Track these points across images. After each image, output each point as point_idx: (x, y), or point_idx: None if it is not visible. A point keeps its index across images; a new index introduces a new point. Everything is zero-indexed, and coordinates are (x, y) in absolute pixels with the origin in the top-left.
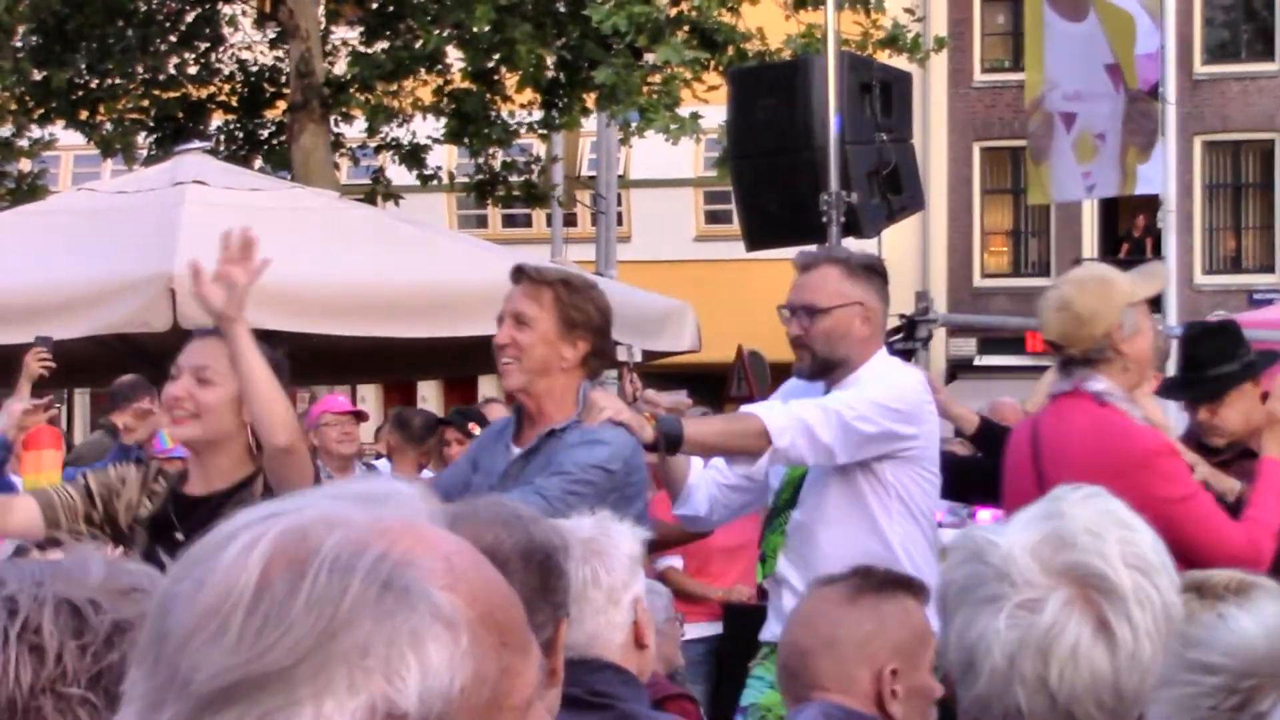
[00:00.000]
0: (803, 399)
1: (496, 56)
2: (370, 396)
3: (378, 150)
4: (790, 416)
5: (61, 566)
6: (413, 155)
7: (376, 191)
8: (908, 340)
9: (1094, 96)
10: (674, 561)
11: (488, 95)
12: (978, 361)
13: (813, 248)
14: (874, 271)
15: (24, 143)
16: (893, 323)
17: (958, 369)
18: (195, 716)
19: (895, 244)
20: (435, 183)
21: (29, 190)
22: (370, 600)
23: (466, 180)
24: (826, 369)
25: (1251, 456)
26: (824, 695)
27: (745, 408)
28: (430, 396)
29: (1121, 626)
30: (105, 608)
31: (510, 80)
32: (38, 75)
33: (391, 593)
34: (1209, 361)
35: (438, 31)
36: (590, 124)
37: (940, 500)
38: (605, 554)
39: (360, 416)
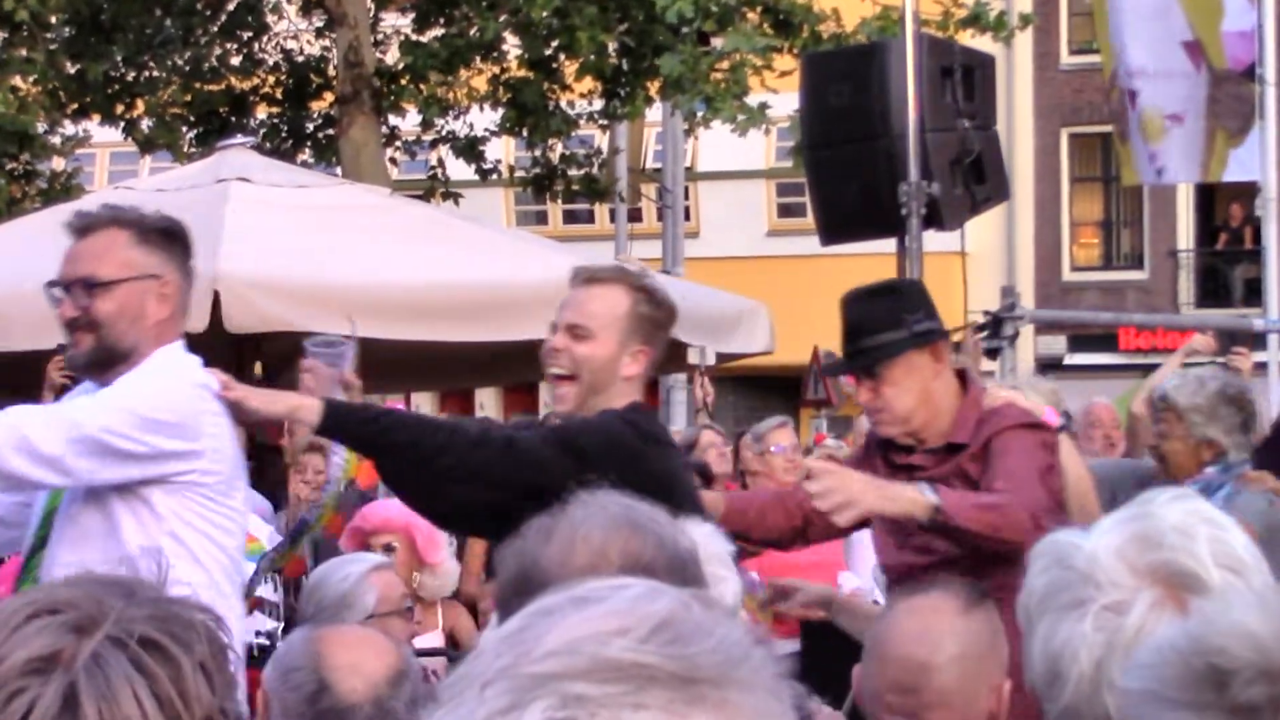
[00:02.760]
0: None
1: (555, 43)
2: (426, 405)
3: (433, 144)
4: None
5: (167, 591)
6: (469, 148)
7: (434, 189)
8: (993, 338)
9: (1166, 74)
10: (751, 575)
11: (546, 85)
12: (1068, 360)
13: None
14: (174, 237)
15: (57, 140)
16: (977, 319)
17: (1047, 368)
18: (572, 679)
19: (979, 236)
20: (494, 177)
21: (63, 190)
22: (757, 682)
23: (524, 174)
24: (109, 360)
25: (958, 450)
26: (942, 713)
27: None
28: (489, 404)
29: None
30: (214, 627)
31: (569, 68)
32: (71, 68)
33: (771, 690)
34: (867, 329)
35: (494, 18)
36: (655, 114)
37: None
38: (720, 555)
39: None
